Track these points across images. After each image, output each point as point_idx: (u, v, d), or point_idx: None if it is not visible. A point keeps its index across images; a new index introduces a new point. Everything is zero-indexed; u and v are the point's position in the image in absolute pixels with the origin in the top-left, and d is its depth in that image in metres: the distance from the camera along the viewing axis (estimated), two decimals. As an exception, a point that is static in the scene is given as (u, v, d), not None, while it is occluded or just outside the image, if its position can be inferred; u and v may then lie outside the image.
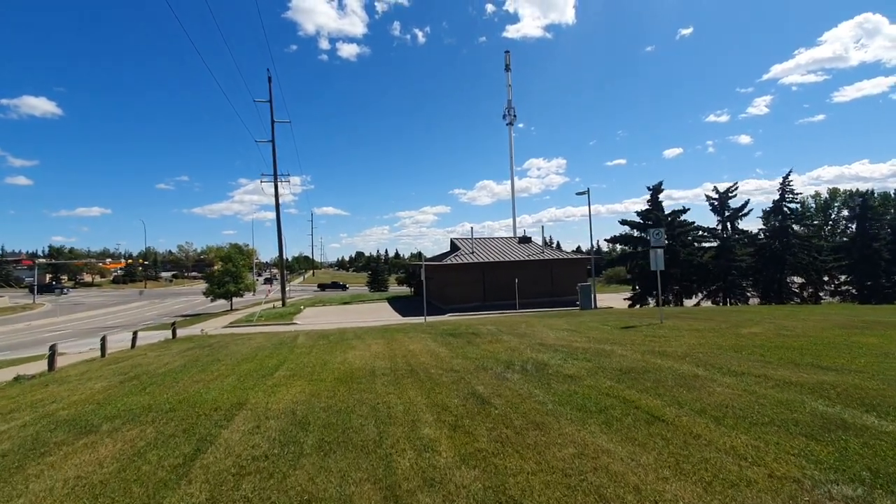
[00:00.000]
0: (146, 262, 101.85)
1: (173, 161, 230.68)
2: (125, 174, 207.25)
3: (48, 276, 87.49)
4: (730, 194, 26.55)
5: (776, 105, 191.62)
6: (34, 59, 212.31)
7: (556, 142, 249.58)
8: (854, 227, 27.83)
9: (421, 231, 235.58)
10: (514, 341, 9.75)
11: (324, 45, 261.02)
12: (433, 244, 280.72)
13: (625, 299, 28.89)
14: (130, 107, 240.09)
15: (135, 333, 16.29)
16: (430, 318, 23.53)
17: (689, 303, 27.31)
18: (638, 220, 27.87)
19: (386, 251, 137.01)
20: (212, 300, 41.60)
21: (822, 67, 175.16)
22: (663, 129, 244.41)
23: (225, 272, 40.67)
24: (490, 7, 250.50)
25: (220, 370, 8.51)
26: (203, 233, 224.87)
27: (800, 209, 30.28)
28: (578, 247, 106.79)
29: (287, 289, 66.97)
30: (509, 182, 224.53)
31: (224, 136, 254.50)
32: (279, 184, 37.83)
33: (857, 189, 54.52)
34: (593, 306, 22.70)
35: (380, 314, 31.06)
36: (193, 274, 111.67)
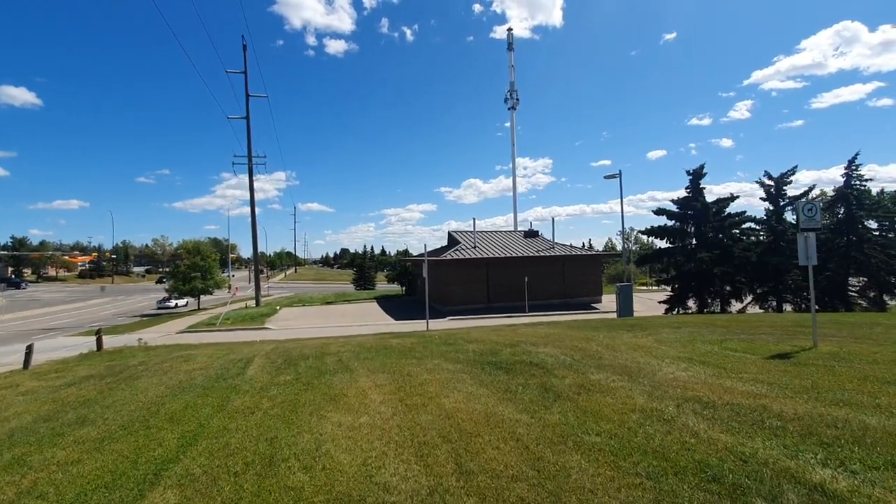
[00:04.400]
0: (115, 257, 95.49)
1: (154, 154, 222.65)
2: (105, 167, 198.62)
3: (10, 270, 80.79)
4: (786, 180, 22.69)
5: (757, 110, 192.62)
6: (14, 49, 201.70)
7: (543, 142, 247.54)
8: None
9: (407, 229, 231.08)
10: (622, 386, 5.45)
11: (311, 40, 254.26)
12: (419, 242, 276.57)
13: (660, 302, 24.87)
14: (112, 98, 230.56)
15: (29, 347, 11.60)
16: (432, 324, 19.14)
17: (732, 308, 23.48)
18: (677, 209, 23.80)
19: (372, 248, 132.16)
20: (175, 298, 36.48)
21: (801, 74, 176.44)
22: (647, 132, 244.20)
23: (192, 266, 35.60)
24: (478, 7, 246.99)
25: (53, 460, 4.07)
26: (184, 228, 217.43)
27: (872, 198, 26.50)
28: (584, 243, 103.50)
29: (266, 286, 62.02)
30: (496, 181, 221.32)
31: (207, 129, 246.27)
32: (255, 169, 32.90)
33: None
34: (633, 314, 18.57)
35: (368, 317, 26.54)
36: (168, 269, 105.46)
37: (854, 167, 22.28)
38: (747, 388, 5.28)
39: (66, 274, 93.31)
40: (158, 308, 38.30)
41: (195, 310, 35.23)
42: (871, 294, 22.21)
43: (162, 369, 8.82)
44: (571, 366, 6.76)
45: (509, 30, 57.27)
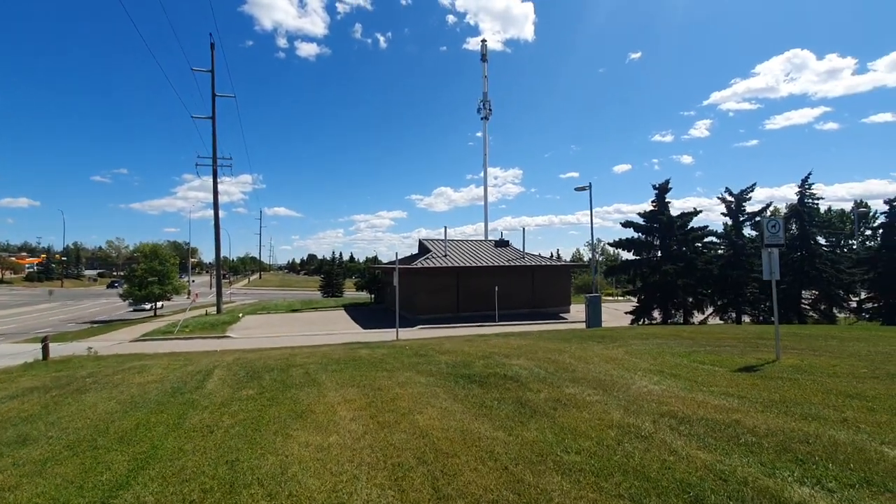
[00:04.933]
0: (65, 259, 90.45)
1: (112, 152, 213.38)
2: (58, 164, 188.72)
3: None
4: (745, 196, 23.69)
5: (715, 129, 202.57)
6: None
7: (513, 152, 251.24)
8: (880, 237, 25.64)
9: (377, 235, 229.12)
10: (598, 400, 5.41)
11: (282, 42, 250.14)
12: (389, 249, 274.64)
13: (626, 313, 25.37)
14: (67, 92, 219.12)
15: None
16: (402, 333, 18.86)
17: (695, 319, 24.22)
18: (643, 222, 24.42)
19: (340, 254, 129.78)
20: (130, 304, 34.69)
21: (755, 97, 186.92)
22: (613, 146, 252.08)
23: (149, 271, 33.99)
24: (451, 18, 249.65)
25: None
26: (141, 230, 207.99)
27: (821, 216, 27.93)
28: (552, 253, 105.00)
29: (228, 292, 59.96)
30: (466, 190, 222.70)
31: (170, 128, 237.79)
32: (220, 171, 31.85)
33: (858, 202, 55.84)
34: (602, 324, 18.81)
35: (336, 325, 25.95)
36: (122, 273, 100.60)
37: (807, 186, 23.50)
38: (719, 401, 5.33)
39: (12, 276, 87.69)
40: (134, 310, 36.57)
41: (151, 316, 33.58)
42: (822, 307, 23.37)
43: (113, 382, 8.24)
44: (546, 379, 6.69)
45: (483, 41, 57.99)
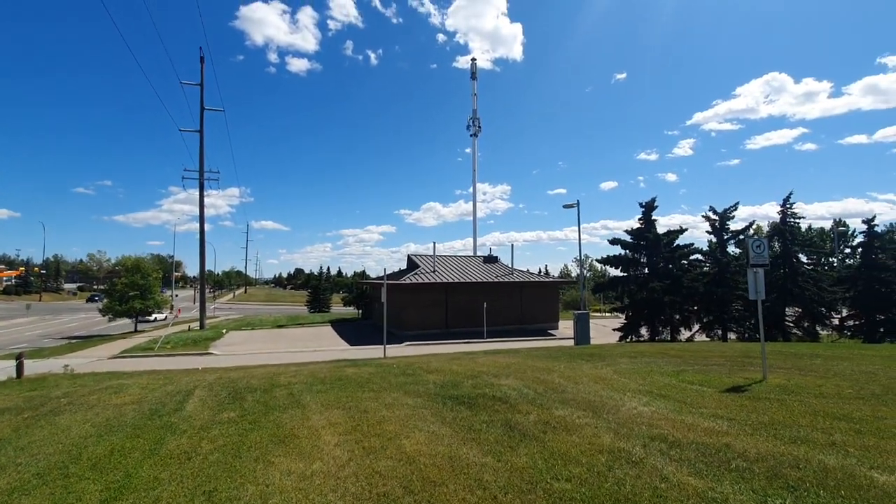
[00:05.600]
0: (44, 272, 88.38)
1: (96, 164, 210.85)
2: (40, 175, 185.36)
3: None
4: (729, 215, 24.13)
5: (698, 148, 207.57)
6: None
7: (502, 168, 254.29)
8: (859, 256, 26.19)
9: (365, 250, 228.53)
10: (588, 423, 5.35)
11: (273, 57, 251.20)
12: (377, 264, 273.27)
13: (614, 330, 25.44)
14: (52, 102, 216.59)
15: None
16: (390, 350, 18.64)
17: (682, 336, 24.38)
18: (630, 240, 24.69)
19: (328, 269, 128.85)
20: (110, 319, 33.86)
21: (737, 117, 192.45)
22: (600, 163, 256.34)
23: (130, 285, 33.29)
24: (442, 37, 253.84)
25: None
26: (124, 243, 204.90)
27: (803, 234, 28.49)
28: (541, 269, 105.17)
29: (212, 307, 58.96)
30: (455, 205, 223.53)
31: (157, 140, 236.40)
32: (207, 184, 31.55)
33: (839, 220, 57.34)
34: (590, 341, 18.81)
35: (323, 341, 25.59)
36: (103, 287, 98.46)
37: (789, 205, 24.04)
38: (709, 424, 5.30)
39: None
40: (139, 322, 37.50)
41: (131, 332, 32.78)
42: (806, 324, 23.71)
43: (88, 403, 7.96)
44: (535, 400, 6.61)
45: (473, 60, 59.01)
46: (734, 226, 24.99)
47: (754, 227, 26.97)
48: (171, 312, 44.58)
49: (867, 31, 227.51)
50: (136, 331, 33.49)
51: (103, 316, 33.98)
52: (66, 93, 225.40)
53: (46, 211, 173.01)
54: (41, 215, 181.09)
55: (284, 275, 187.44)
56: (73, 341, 28.64)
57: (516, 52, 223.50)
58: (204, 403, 7.27)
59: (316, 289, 59.51)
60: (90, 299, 73.48)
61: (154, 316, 38.54)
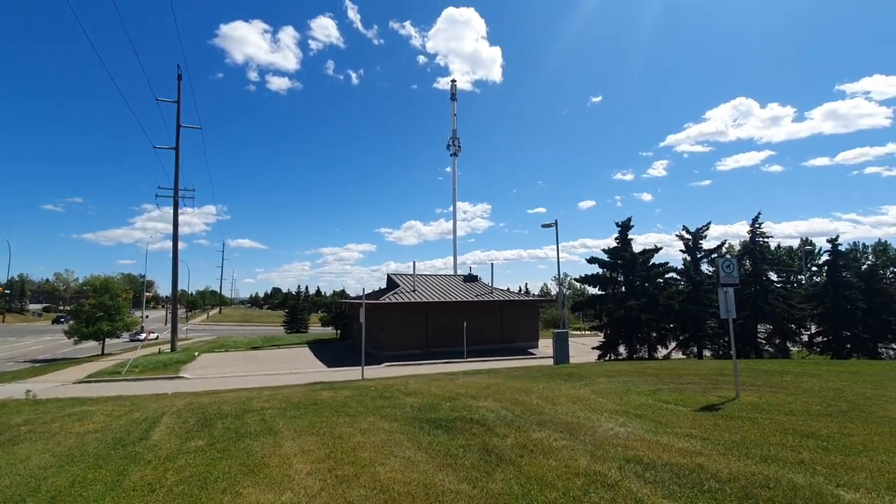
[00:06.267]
0: (8, 292, 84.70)
1: (66, 180, 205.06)
2: (5, 191, 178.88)
3: None
4: (701, 234, 24.84)
5: (671, 168, 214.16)
6: None
7: (482, 187, 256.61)
8: (825, 274, 27.17)
9: (344, 268, 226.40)
10: (565, 445, 5.34)
11: (252, 76, 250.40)
12: (357, 283, 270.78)
13: (593, 348, 25.63)
14: (19, 114, 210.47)
15: None
16: (368, 371, 18.37)
17: (659, 354, 24.72)
18: (607, 259, 25.11)
19: (306, 288, 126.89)
20: (76, 342, 32.55)
21: (707, 140, 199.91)
22: (578, 183, 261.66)
23: (98, 306, 32.17)
24: (422, 58, 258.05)
25: None
26: (94, 262, 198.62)
27: (772, 253, 29.43)
28: (521, 288, 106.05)
29: (184, 328, 57.29)
30: (436, 223, 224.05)
31: (130, 157, 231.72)
32: (183, 202, 31.00)
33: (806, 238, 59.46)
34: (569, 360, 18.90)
35: (299, 363, 25.07)
36: (70, 308, 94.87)
37: (758, 225, 24.92)
38: (683, 444, 5.36)
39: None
40: (131, 340, 38.34)
41: (98, 355, 31.53)
42: (777, 341, 24.34)
43: (50, 431, 7.60)
44: (513, 422, 6.58)
45: (453, 81, 59.96)
46: (707, 244, 25.83)
47: (726, 246, 27.88)
48: (141, 333, 43.14)
49: (826, 60, 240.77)
50: (103, 354, 32.23)
51: (69, 338, 32.63)
52: (36, 108, 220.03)
53: (12, 229, 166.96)
54: (6, 233, 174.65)
55: (261, 294, 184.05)
56: (37, 365, 27.40)
57: (496, 74, 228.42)
58: (171, 431, 7.01)
59: (293, 309, 58.47)
60: (56, 321, 70.56)
61: (143, 336, 38.10)
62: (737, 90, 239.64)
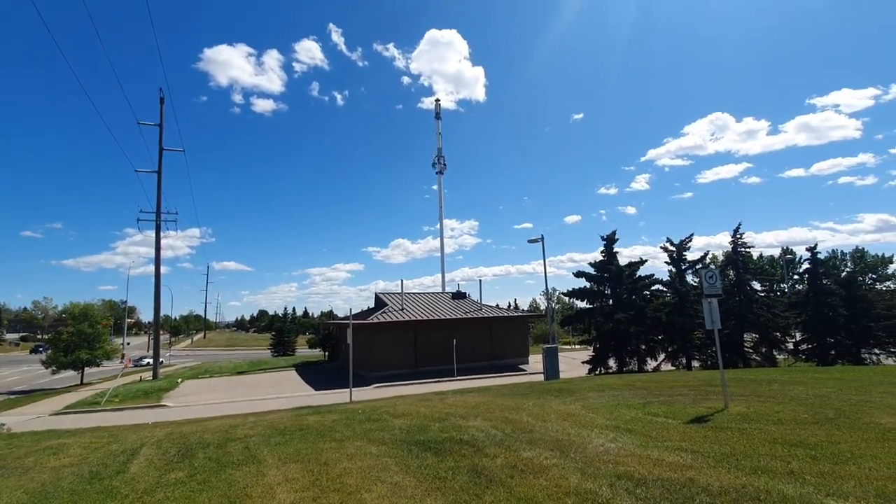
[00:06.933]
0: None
1: (45, 206, 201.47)
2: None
3: None
4: (685, 246, 25.21)
5: (654, 182, 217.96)
6: None
7: (469, 204, 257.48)
8: (806, 282, 27.67)
9: (332, 289, 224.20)
10: (555, 464, 5.27)
11: (237, 98, 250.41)
12: (345, 303, 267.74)
13: (584, 362, 25.60)
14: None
15: None
16: (357, 393, 18.07)
17: (648, 366, 24.79)
18: (594, 272, 25.30)
19: (293, 309, 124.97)
20: (53, 372, 31.51)
21: (687, 153, 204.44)
22: (563, 198, 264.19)
23: (77, 334, 31.31)
24: (406, 79, 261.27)
25: None
26: (74, 288, 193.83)
27: (755, 263, 29.91)
28: (510, 303, 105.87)
29: (167, 354, 55.99)
30: (423, 241, 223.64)
31: (111, 181, 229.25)
32: (165, 226, 30.61)
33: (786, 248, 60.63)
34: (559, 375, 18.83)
35: (286, 387, 24.58)
36: (48, 336, 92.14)
37: (739, 236, 25.42)
38: (673, 458, 5.32)
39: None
40: (135, 366, 37.84)
41: (77, 385, 30.54)
42: (763, 349, 24.60)
43: (23, 466, 7.30)
44: (503, 442, 6.49)
45: (437, 101, 60.91)
46: (691, 256, 26.17)
47: (709, 256, 28.25)
48: (120, 362, 42.01)
49: (796, 75, 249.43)
50: (82, 383, 31.23)
51: (46, 368, 31.59)
52: (13, 132, 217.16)
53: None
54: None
55: (247, 317, 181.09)
56: (13, 397, 26.44)
57: (479, 93, 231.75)
58: (150, 463, 6.76)
59: (280, 331, 57.61)
60: (34, 350, 68.37)
61: (147, 360, 37.99)
62: (713, 105, 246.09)
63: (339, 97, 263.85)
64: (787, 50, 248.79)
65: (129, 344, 68.95)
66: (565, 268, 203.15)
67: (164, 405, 19.68)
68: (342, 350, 33.40)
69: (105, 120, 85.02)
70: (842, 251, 69.07)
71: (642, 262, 25.80)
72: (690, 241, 25.66)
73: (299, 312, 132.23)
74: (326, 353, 43.30)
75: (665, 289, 26.90)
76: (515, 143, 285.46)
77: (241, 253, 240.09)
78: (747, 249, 25.76)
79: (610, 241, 25.73)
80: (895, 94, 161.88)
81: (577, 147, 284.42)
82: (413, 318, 29.26)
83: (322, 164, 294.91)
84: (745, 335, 24.84)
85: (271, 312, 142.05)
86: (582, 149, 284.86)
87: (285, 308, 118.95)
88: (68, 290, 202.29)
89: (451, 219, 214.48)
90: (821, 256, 27.67)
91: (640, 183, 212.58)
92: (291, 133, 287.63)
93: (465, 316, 31.35)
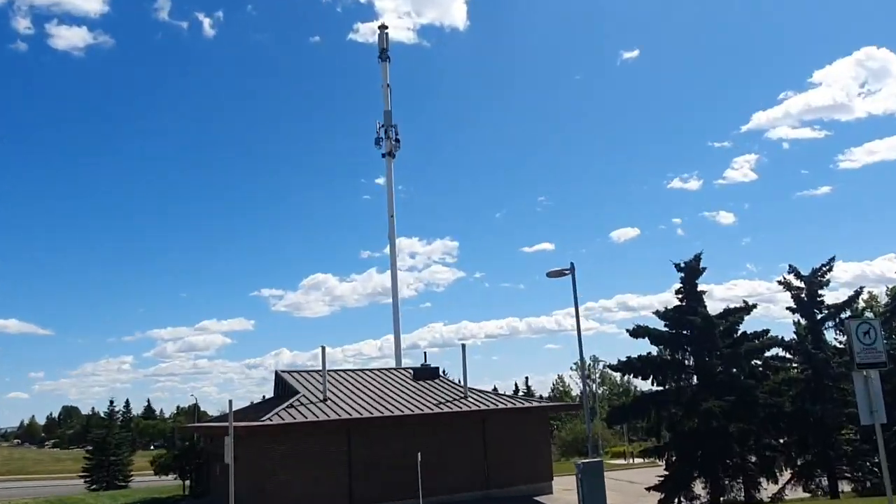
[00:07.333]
0: None
1: None
2: None
3: None
4: (820, 278, 25.51)
5: (764, 168, 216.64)
6: None
7: (442, 211, 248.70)
8: None
9: (198, 365, 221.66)
10: None
11: (23, 24, 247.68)
12: (220, 388, 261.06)
13: (649, 489, 25.48)
14: None
15: None
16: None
17: (764, 493, 24.81)
18: (664, 327, 25.40)
19: (126, 403, 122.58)
20: None
21: (820, 119, 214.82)
22: (607, 199, 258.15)
23: None
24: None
25: None
26: None
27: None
28: (517, 386, 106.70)
29: None
30: (361, 277, 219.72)
31: None
32: None
33: None
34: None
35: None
36: None
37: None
38: None
39: None
40: None
41: None
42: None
43: None
44: None
45: (382, 29, 60.89)
46: (832, 295, 26.52)
47: (864, 296, 28.74)
48: None
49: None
50: None
51: None
52: None
53: None
54: None
55: (41, 420, 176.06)
56: None
57: (457, 16, 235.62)
58: None
59: (102, 444, 56.28)
60: None
61: None
62: (862, 36, 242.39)
63: (206, 23, 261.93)
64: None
65: None
66: (614, 321, 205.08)
67: None
68: (216, 476, 32.68)
69: None
70: None
71: (748, 308, 26.07)
72: (830, 269, 26.10)
73: (137, 409, 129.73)
74: (187, 482, 42.42)
75: (789, 355, 27.17)
76: (521, 103, 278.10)
77: (31, 307, 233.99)
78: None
79: (692, 272, 26.00)
80: None
81: (630, 108, 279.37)
82: (345, 415, 28.87)
83: (174, 146, 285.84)
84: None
85: (85, 411, 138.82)
86: (637, 111, 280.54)
87: (111, 402, 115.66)
88: None
89: (410, 237, 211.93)
90: None
91: (742, 170, 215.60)
92: (117, 87, 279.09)
93: (437, 409, 31.09)
